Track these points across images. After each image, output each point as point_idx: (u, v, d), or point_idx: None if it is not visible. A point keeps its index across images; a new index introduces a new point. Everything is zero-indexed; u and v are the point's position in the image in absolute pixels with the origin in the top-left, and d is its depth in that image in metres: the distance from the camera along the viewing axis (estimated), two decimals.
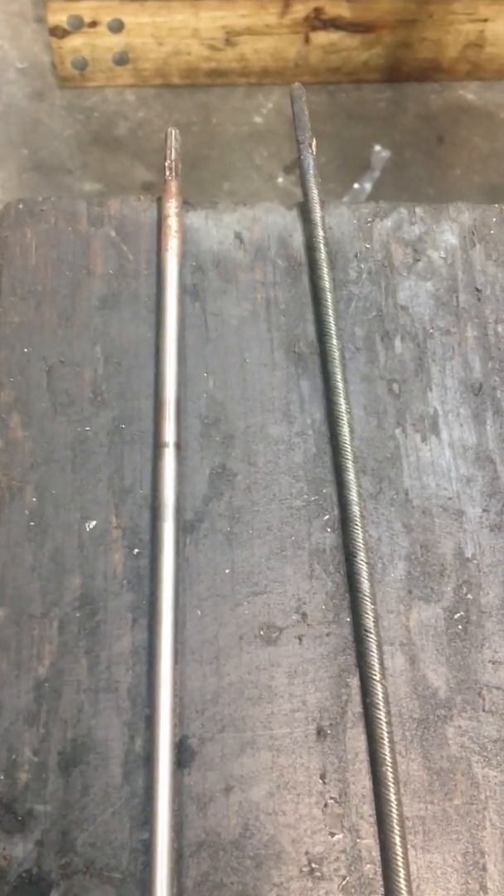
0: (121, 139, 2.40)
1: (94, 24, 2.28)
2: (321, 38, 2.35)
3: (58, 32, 2.29)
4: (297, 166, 0.83)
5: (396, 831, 0.66)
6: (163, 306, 0.78)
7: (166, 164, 0.81)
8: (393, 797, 0.67)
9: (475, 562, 0.74)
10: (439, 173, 2.37)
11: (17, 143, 2.40)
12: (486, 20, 2.33)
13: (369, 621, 0.71)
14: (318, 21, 2.32)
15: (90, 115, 2.43)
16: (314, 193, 0.82)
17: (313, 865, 0.66)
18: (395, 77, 2.45)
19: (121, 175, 2.36)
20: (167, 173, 0.81)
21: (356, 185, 2.34)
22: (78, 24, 2.28)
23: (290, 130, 2.43)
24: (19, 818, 0.66)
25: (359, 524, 0.73)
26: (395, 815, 0.66)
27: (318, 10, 2.30)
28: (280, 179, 2.36)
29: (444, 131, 2.43)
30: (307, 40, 2.36)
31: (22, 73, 2.46)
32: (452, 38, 2.37)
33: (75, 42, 2.31)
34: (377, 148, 2.39)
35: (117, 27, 2.29)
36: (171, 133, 0.82)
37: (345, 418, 0.76)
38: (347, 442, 0.75)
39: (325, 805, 0.67)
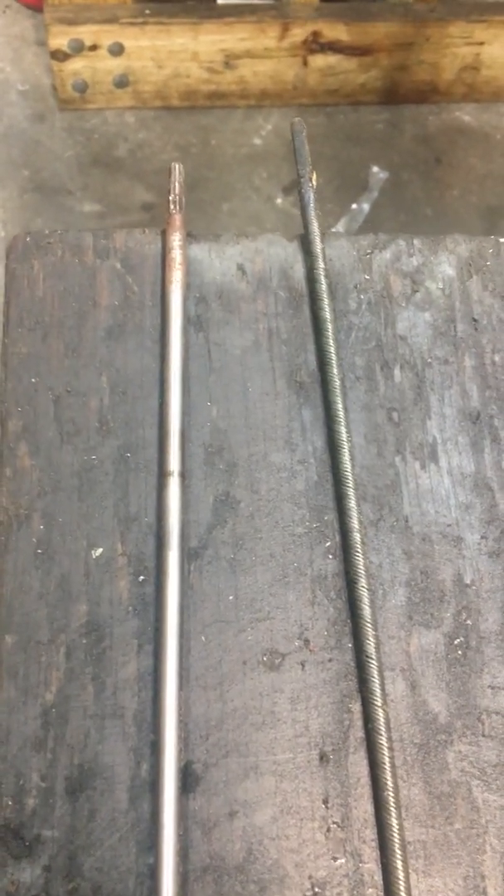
0: (121, 160, 2.43)
1: (94, 47, 2.31)
2: (319, 60, 2.38)
3: (59, 56, 2.32)
4: (298, 199, 0.85)
5: (398, 856, 0.67)
6: (167, 337, 0.79)
7: (170, 197, 0.83)
8: (395, 822, 0.68)
9: (474, 588, 0.75)
10: (437, 194, 2.39)
11: (19, 164, 2.42)
12: (482, 44, 2.37)
13: (371, 647, 0.72)
14: (316, 44, 2.35)
15: (90, 137, 2.45)
16: (315, 226, 0.84)
17: (316, 890, 0.67)
18: (393, 99, 2.48)
19: (121, 196, 2.39)
20: (171, 207, 0.83)
21: (354, 206, 2.36)
22: (79, 48, 2.31)
23: (288, 152, 2.46)
24: (27, 843, 0.67)
25: (360, 551, 0.75)
26: (396, 840, 0.67)
27: (316, 34, 2.33)
28: (279, 200, 2.38)
29: (441, 152, 2.45)
30: (305, 63, 2.39)
31: (23, 96, 2.49)
32: (449, 61, 2.40)
33: (76, 65, 2.34)
34: (375, 169, 2.42)
35: (118, 51, 2.32)
36: (175, 168, 0.84)
37: (346, 446, 0.77)
38: (348, 469, 0.77)
39: (328, 830, 0.68)
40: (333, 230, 2.22)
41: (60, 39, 2.29)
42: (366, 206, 2.37)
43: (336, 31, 2.33)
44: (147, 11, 2.28)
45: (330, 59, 2.38)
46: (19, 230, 2.36)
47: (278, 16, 2.30)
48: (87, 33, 2.28)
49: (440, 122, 2.49)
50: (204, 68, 2.38)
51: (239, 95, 2.45)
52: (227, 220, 2.34)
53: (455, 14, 2.33)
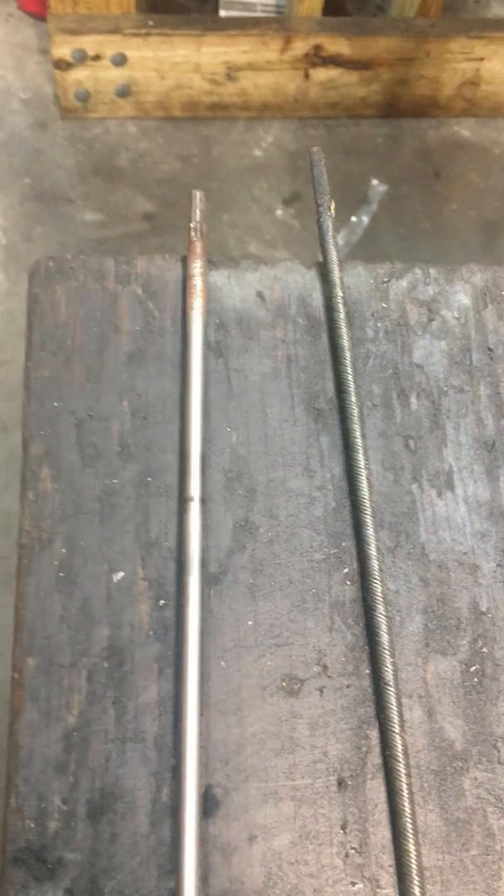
0: (122, 170, 2.44)
1: (97, 57, 2.32)
2: (320, 74, 2.40)
3: (62, 65, 2.32)
4: (317, 227, 0.86)
5: (416, 881, 0.68)
6: (188, 363, 0.80)
7: (191, 225, 0.84)
8: (412, 848, 0.69)
9: (490, 615, 0.77)
10: (436, 208, 2.41)
11: (20, 172, 2.43)
12: (482, 59, 2.39)
13: (388, 674, 0.73)
14: (317, 58, 2.37)
15: (92, 146, 2.46)
16: (333, 255, 0.85)
17: None
18: (393, 113, 2.50)
19: (122, 205, 2.39)
20: (192, 234, 0.84)
21: (354, 219, 2.38)
22: (82, 58, 2.32)
23: (288, 164, 2.48)
24: (49, 866, 0.68)
25: (377, 578, 0.76)
26: (414, 865, 0.68)
27: (317, 48, 2.35)
28: (279, 212, 2.39)
29: (440, 167, 2.47)
30: (307, 76, 2.40)
31: (25, 104, 2.49)
32: (449, 76, 2.42)
33: (79, 74, 2.35)
34: (374, 182, 2.43)
35: (120, 61, 2.33)
36: (196, 195, 0.85)
37: (363, 473, 0.79)
38: (366, 497, 0.78)
39: (346, 855, 0.69)
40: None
41: (63, 49, 2.29)
42: (365, 219, 2.38)
43: (337, 45, 2.34)
44: (150, 22, 2.29)
45: (331, 73, 2.40)
46: (19, 238, 2.36)
47: (280, 29, 2.32)
48: (90, 43, 2.29)
49: (440, 136, 2.51)
50: (206, 80, 2.39)
51: (240, 107, 2.46)
52: (227, 230, 2.35)
53: (456, 30, 2.35)
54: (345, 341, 0.82)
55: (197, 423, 0.79)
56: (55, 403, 0.80)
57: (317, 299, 0.86)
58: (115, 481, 0.78)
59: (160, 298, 0.84)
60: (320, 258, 0.87)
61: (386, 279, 0.87)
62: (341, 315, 0.83)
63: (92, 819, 0.69)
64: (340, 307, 0.83)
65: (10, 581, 1.91)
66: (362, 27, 2.34)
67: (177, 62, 2.34)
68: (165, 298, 0.84)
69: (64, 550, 0.76)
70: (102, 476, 0.78)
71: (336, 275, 0.84)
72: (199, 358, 0.81)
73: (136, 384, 0.81)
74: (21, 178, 2.42)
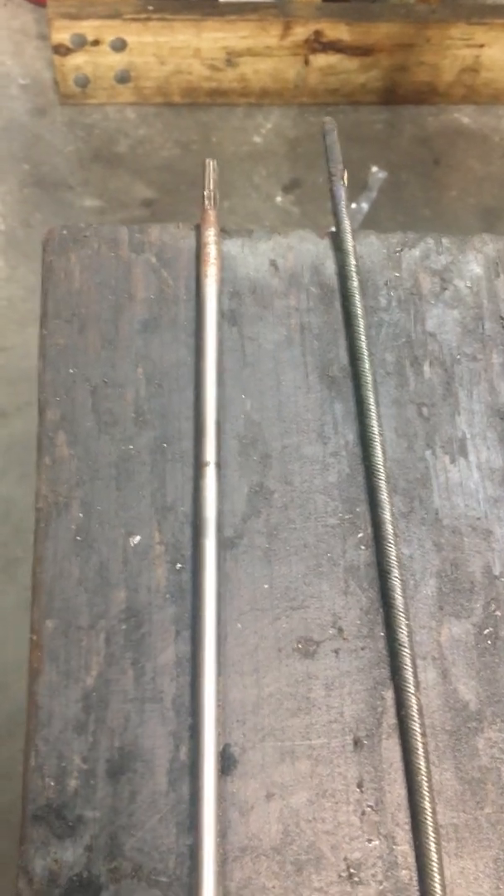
0: (121, 156, 2.44)
1: (96, 42, 2.32)
2: (320, 60, 2.40)
3: (61, 50, 2.32)
4: (329, 197, 0.87)
5: (431, 838, 0.69)
6: (202, 331, 0.81)
7: (205, 193, 0.84)
8: (427, 805, 0.69)
9: (503, 580, 0.77)
10: (435, 195, 2.42)
11: (19, 158, 2.42)
12: (482, 46, 2.40)
13: (403, 636, 0.74)
14: (317, 44, 2.37)
15: (91, 132, 2.46)
16: (346, 223, 0.85)
17: (352, 871, 0.69)
18: (392, 99, 2.51)
19: (121, 192, 2.40)
20: (206, 203, 0.84)
21: (353, 206, 2.38)
22: (81, 43, 2.32)
23: (288, 151, 2.48)
24: (70, 824, 0.68)
25: (392, 542, 0.76)
26: (429, 823, 0.69)
27: (317, 33, 2.35)
28: (279, 199, 2.40)
29: (440, 154, 2.48)
30: (307, 62, 2.41)
31: (24, 90, 2.49)
32: (449, 62, 2.43)
33: (78, 60, 2.35)
34: (374, 169, 2.44)
35: (120, 46, 2.33)
36: (210, 164, 0.85)
37: (377, 440, 0.79)
38: (380, 463, 0.79)
39: (363, 813, 0.70)
40: (332, 230, 2.24)
41: (63, 34, 2.30)
42: (365, 206, 2.39)
43: (337, 31, 2.35)
44: (150, 8, 2.29)
45: (331, 59, 2.40)
46: (18, 224, 2.36)
47: (280, 14, 2.32)
48: (89, 28, 2.29)
49: (439, 123, 2.52)
50: (206, 65, 2.39)
51: (240, 93, 2.47)
52: (227, 217, 2.35)
53: (456, 16, 2.36)
54: (358, 310, 0.83)
55: (212, 389, 0.79)
56: (70, 370, 0.81)
57: (330, 268, 0.87)
58: (130, 447, 0.79)
59: (174, 267, 0.85)
60: (328, 228, 0.87)
61: (399, 248, 0.88)
62: (354, 284, 0.84)
63: (111, 778, 0.70)
64: (353, 276, 0.84)
65: (8, 567, 1.91)
66: (362, 13, 2.35)
67: (176, 47, 2.34)
68: (179, 267, 0.85)
69: (81, 515, 0.76)
70: (118, 442, 0.79)
71: (349, 244, 0.85)
72: (213, 326, 0.81)
73: (150, 352, 0.82)
74: (20, 165, 2.42)
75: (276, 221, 2.36)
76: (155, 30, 2.30)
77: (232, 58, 2.38)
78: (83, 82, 2.40)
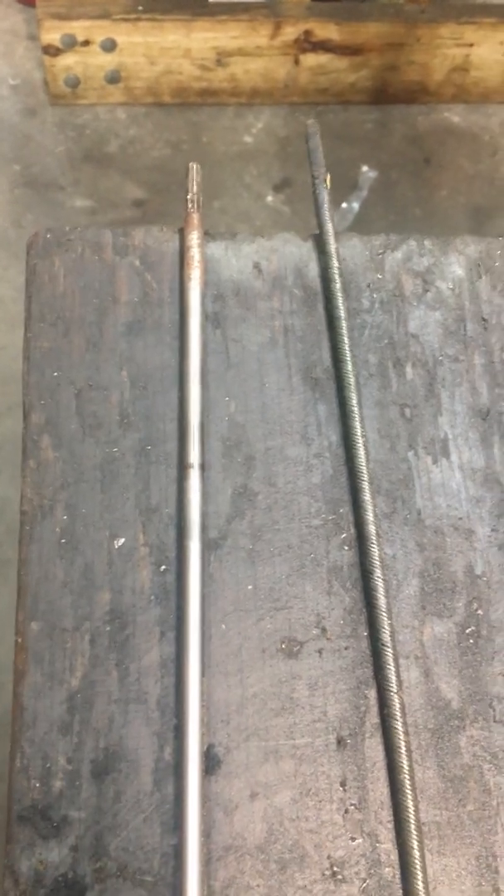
0: (112, 156, 2.44)
1: (86, 42, 2.32)
2: (310, 59, 2.40)
3: (51, 51, 2.32)
4: (312, 200, 0.87)
5: (414, 836, 0.69)
6: (186, 333, 0.81)
7: (188, 196, 0.85)
8: (410, 804, 0.70)
9: (485, 579, 0.78)
10: (426, 194, 2.42)
11: (9, 159, 2.42)
12: (471, 45, 2.40)
13: (386, 636, 0.74)
14: (307, 43, 2.37)
15: (82, 133, 2.46)
16: (329, 226, 0.86)
17: (335, 869, 0.69)
18: (383, 99, 2.51)
19: (112, 192, 2.40)
20: (189, 206, 0.85)
21: (344, 205, 2.39)
22: (71, 43, 2.32)
23: (279, 150, 2.48)
24: (54, 824, 0.69)
25: (375, 542, 0.77)
26: (412, 821, 0.70)
27: (307, 33, 2.35)
28: (269, 198, 2.40)
29: (430, 153, 2.48)
30: (297, 62, 2.41)
31: (14, 90, 2.49)
32: (439, 61, 2.43)
33: (68, 60, 2.35)
34: (365, 168, 2.44)
35: (110, 46, 2.33)
36: (193, 167, 0.86)
37: (360, 441, 0.80)
38: (363, 464, 0.79)
39: (346, 811, 0.71)
40: (315, 232, 2.24)
41: (52, 34, 2.29)
42: (356, 206, 2.39)
43: (327, 31, 2.35)
44: (140, 8, 2.29)
45: (321, 59, 2.41)
46: (9, 225, 2.36)
47: (270, 14, 2.32)
48: (79, 29, 2.29)
49: (429, 122, 2.52)
50: (196, 65, 2.39)
51: (230, 93, 2.47)
52: (218, 217, 2.36)
53: (445, 15, 2.36)
54: (341, 312, 0.84)
55: (196, 391, 0.80)
56: (55, 373, 0.81)
57: (313, 270, 0.87)
58: (115, 449, 0.79)
59: (158, 270, 0.85)
60: (316, 230, 0.88)
61: (381, 251, 0.89)
62: (337, 286, 0.84)
63: (96, 778, 0.70)
64: (336, 278, 0.85)
65: (2, 568, 1.92)
66: (352, 12, 2.35)
67: (166, 48, 2.34)
68: (163, 270, 0.85)
69: (65, 517, 0.77)
70: (103, 444, 0.79)
71: (332, 246, 0.85)
72: (197, 328, 0.82)
73: (134, 354, 0.82)
74: (10, 165, 2.42)
75: (266, 221, 2.37)
76: (145, 30, 2.30)
77: (222, 58, 2.38)
78: (73, 83, 2.40)
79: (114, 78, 2.39)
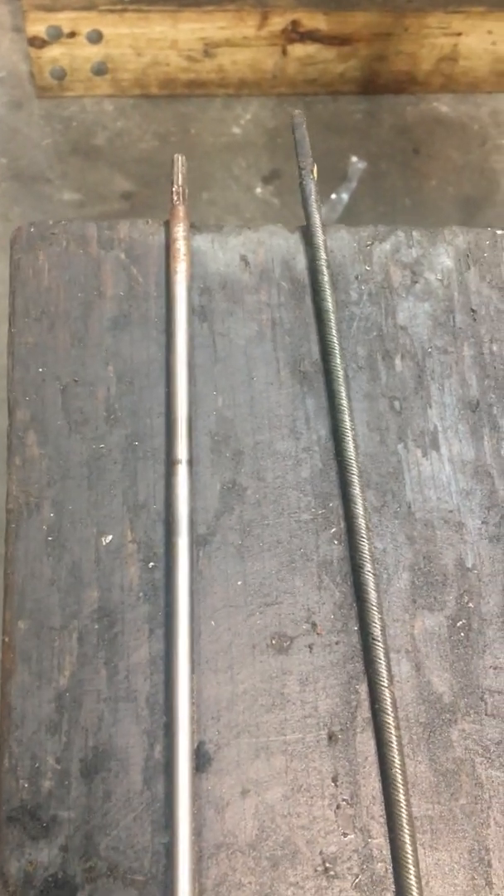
0: (99, 149, 2.42)
1: (72, 34, 2.30)
2: (298, 50, 2.39)
3: (36, 42, 2.30)
4: (299, 191, 0.86)
5: (406, 831, 0.69)
6: (172, 327, 0.81)
7: (173, 189, 0.84)
8: (402, 798, 0.70)
9: (475, 572, 0.78)
10: (415, 184, 2.41)
11: None
12: (459, 34, 2.39)
13: (376, 630, 0.74)
14: (295, 34, 2.36)
15: (69, 125, 2.44)
16: (316, 218, 0.85)
17: (327, 865, 0.69)
18: (371, 89, 2.50)
19: (100, 184, 2.38)
20: (175, 198, 0.84)
21: (334, 196, 2.38)
22: (57, 35, 2.30)
23: (267, 141, 2.47)
24: (44, 824, 0.68)
25: (365, 536, 0.76)
26: (404, 816, 0.69)
27: (295, 23, 2.34)
28: (258, 190, 2.39)
29: (419, 143, 2.47)
30: (284, 52, 2.40)
31: (0, 83, 2.47)
32: (427, 51, 2.42)
33: (54, 52, 2.33)
34: (354, 159, 2.43)
35: (96, 38, 2.31)
36: (178, 159, 0.85)
37: (349, 434, 0.79)
38: (352, 457, 0.78)
39: (338, 807, 0.70)
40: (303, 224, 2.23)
41: (38, 26, 2.28)
42: (345, 196, 2.38)
43: (315, 21, 2.34)
44: None
45: (309, 49, 2.39)
46: None
47: (257, 4, 2.31)
48: (65, 20, 2.27)
49: (418, 112, 2.51)
50: (183, 56, 2.38)
51: (218, 84, 2.45)
52: (207, 209, 2.35)
53: (433, 4, 2.34)
54: (329, 304, 0.83)
55: (183, 386, 0.79)
56: (40, 369, 0.80)
57: (300, 263, 0.86)
58: (102, 446, 0.78)
59: (143, 263, 0.84)
60: (304, 222, 0.87)
61: (369, 242, 0.88)
62: (325, 278, 0.84)
63: (85, 777, 0.70)
64: (324, 270, 0.84)
65: None
66: (340, 2, 2.33)
67: (153, 39, 2.33)
68: (149, 263, 0.85)
69: (52, 515, 0.76)
70: (89, 441, 0.79)
71: (319, 238, 0.85)
72: (183, 322, 0.81)
73: (121, 349, 0.82)
74: None
75: (255, 213, 2.36)
76: (131, 21, 2.28)
77: (209, 48, 2.37)
78: (60, 75, 2.38)
79: (100, 70, 2.38)
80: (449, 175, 2.44)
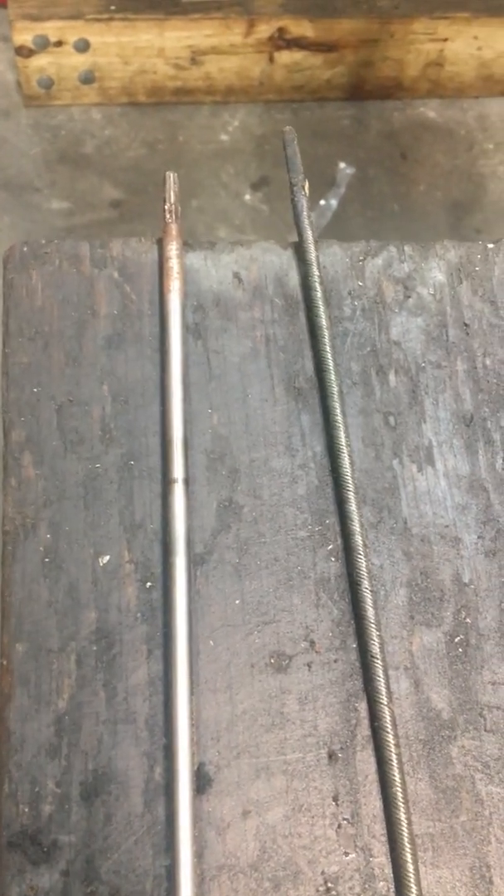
0: (88, 157, 2.42)
1: (59, 43, 2.30)
2: (285, 57, 2.39)
3: (24, 52, 2.30)
4: (291, 207, 0.86)
5: (407, 849, 0.69)
6: (167, 345, 0.80)
7: (166, 207, 0.84)
8: (403, 816, 0.70)
9: (472, 587, 0.78)
10: (403, 190, 2.42)
11: None
12: (445, 40, 2.39)
13: (375, 647, 0.74)
14: (281, 41, 2.36)
15: (57, 134, 2.44)
16: (309, 234, 0.85)
17: (329, 885, 0.69)
18: (358, 95, 2.50)
19: (89, 193, 2.38)
20: (167, 216, 0.84)
21: (322, 202, 2.38)
22: (44, 44, 2.29)
23: (255, 148, 2.47)
24: (44, 849, 0.68)
25: (362, 553, 0.76)
26: (405, 834, 0.69)
27: (281, 30, 2.34)
28: (247, 197, 2.39)
29: (406, 148, 2.48)
30: (271, 59, 2.40)
31: None
32: (413, 57, 2.42)
33: (41, 61, 2.33)
34: (342, 165, 2.44)
35: (83, 47, 2.31)
36: (170, 177, 0.85)
37: (345, 451, 0.79)
38: (348, 473, 0.79)
39: (339, 826, 0.70)
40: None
41: (25, 35, 2.27)
42: (334, 203, 2.39)
43: (301, 28, 2.34)
44: (112, 7, 2.27)
45: (296, 56, 2.39)
46: None
47: (244, 12, 2.31)
48: (52, 29, 2.27)
49: (405, 118, 2.52)
50: (170, 64, 2.38)
51: (205, 91, 2.45)
52: (196, 216, 2.35)
53: (419, 10, 2.35)
54: (322, 320, 0.83)
55: (178, 405, 0.79)
56: (35, 389, 0.80)
57: (293, 279, 0.86)
58: (97, 465, 0.78)
59: (137, 281, 0.84)
60: (296, 238, 0.87)
61: (361, 258, 0.88)
62: (318, 294, 0.84)
63: (86, 801, 0.69)
64: (317, 286, 0.84)
65: None
66: (325, 9, 2.34)
67: (140, 47, 2.33)
68: (142, 281, 0.84)
69: (49, 536, 0.76)
70: (85, 461, 0.78)
71: (312, 254, 0.85)
72: (177, 340, 0.81)
73: (115, 368, 0.81)
74: None
75: (245, 220, 2.36)
76: (118, 30, 2.28)
77: (196, 56, 2.37)
78: (47, 84, 2.38)
79: (88, 78, 2.37)
80: (437, 180, 2.45)
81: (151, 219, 2.45)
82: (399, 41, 2.39)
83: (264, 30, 2.33)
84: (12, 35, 2.28)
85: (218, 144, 2.47)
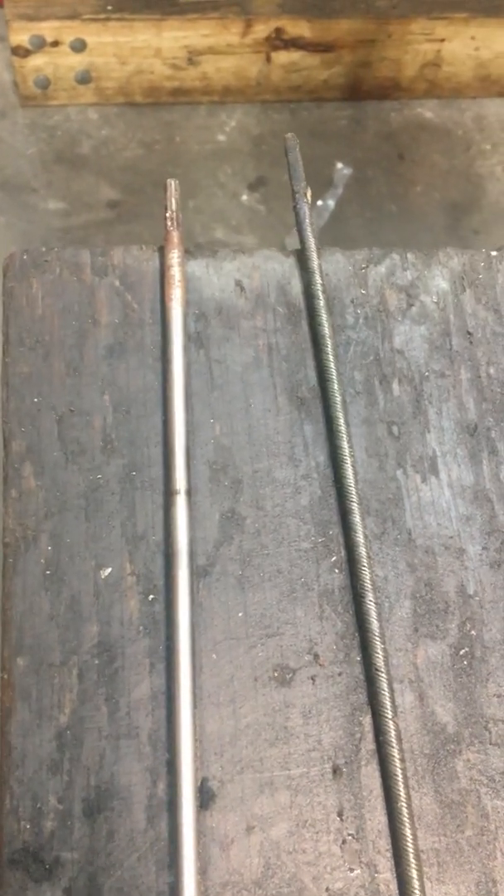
0: (85, 157, 2.41)
1: (56, 43, 2.29)
2: (282, 57, 2.38)
3: (20, 52, 2.29)
4: (294, 215, 0.86)
5: (413, 864, 0.68)
6: (169, 354, 0.80)
7: (167, 215, 0.83)
8: (408, 832, 0.69)
9: (477, 598, 0.77)
10: (401, 190, 2.41)
11: None
12: (442, 40, 2.39)
13: (379, 660, 0.73)
14: (279, 41, 2.35)
15: (53, 134, 2.43)
16: (311, 242, 0.84)
17: None
18: (356, 95, 2.49)
19: (85, 193, 2.37)
20: (168, 224, 0.83)
21: (320, 203, 2.37)
22: (40, 44, 2.28)
23: (252, 149, 2.46)
24: (47, 866, 0.67)
25: (366, 565, 0.76)
26: (410, 849, 0.69)
27: (279, 30, 2.33)
28: (244, 197, 2.38)
29: (404, 148, 2.47)
30: (268, 59, 2.39)
31: None
32: (411, 57, 2.42)
33: (38, 61, 2.31)
34: (339, 165, 2.43)
35: (80, 47, 2.30)
36: (171, 184, 0.84)
37: (348, 461, 0.79)
38: (352, 484, 0.78)
39: (344, 842, 0.70)
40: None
41: (21, 35, 2.26)
42: (331, 203, 2.38)
43: (299, 28, 2.33)
44: (109, 7, 2.26)
45: (293, 56, 2.38)
46: None
47: (241, 12, 2.30)
48: (48, 29, 2.26)
49: (402, 118, 2.51)
50: (167, 64, 2.37)
51: (202, 92, 2.44)
52: (193, 216, 2.34)
53: (416, 11, 2.34)
54: (325, 329, 0.82)
55: (180, 415, 0.78)
56: (35, 399, 0.79)
57: (296, 287, 0.86)
58: (99, 476, 0.77)
59: (138, 290, 0.84)
60: (292, 238, 0.86)
61: (364, 265, 0.87)
62: (321, 302, 0.83)
63: (88, 817, 0.69)
64: (320, 294, 0.83)
65: None
66: (323, 9, 2.33)
67: (137, 47, 2.31)
68: (143, 290, 0.84)
69: (50, 548, 0.75)
70: (86, 471, 0.78)
71: (314, 262, 0.84)
72: (179, 349, 0.80)
73: (116, 377, 0.81)
74: None
75: (242, 220, 2.35)
76: (115, 30, 2.27)
77: (193, 56, 2.36)
78: (44, 84, 2.36)
79: (84, 78, 2.36)
80: (434, 180, 2.44)
81: (148, 219, 2.44)
82: (396, 41, 2.38)
83: (261, 30, 2.32)
84: (9, 35, 2.27)
85: (215, 145, 2.46)
